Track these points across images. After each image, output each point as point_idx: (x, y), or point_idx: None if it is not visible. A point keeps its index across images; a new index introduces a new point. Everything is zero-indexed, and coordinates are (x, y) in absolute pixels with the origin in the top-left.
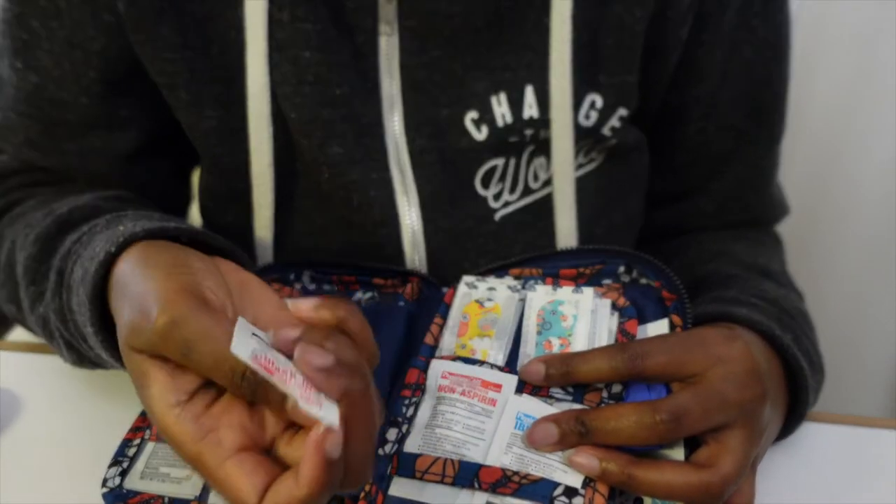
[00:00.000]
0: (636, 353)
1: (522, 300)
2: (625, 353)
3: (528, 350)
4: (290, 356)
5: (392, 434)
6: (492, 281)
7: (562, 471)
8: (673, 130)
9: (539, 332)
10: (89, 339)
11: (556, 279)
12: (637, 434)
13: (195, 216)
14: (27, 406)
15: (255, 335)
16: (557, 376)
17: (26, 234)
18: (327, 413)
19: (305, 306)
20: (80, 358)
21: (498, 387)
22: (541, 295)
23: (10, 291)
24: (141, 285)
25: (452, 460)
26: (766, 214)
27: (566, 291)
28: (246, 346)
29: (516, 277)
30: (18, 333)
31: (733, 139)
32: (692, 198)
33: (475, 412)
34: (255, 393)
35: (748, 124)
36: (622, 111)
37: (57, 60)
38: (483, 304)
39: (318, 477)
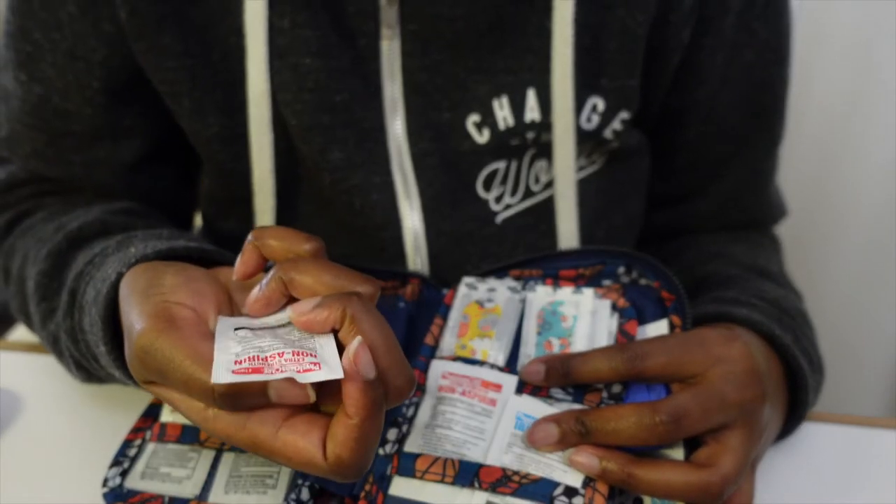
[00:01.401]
0: (636, 353)
1: (522, 301)
2: (624, 353)
3: (529, 350)
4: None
5: (392, 434)
6: (492, 282)
7: (562, 470)
8: (673, 133)
9: (539, 333)
10: (101, 358)
11: (555, 280)
12: (637, 435)
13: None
14: (27, 406)
15: (242, 327)
16: (557, 377)
17: (38, 249)
18: (327, 367)
19: (304, 308)
20: (89, 376)
21: (498, 387)
22: (541, 296)
23: (20, 304)
24: (125, 315)
25: (453, 460)
26: (764, 216)
27: (566, 292)
28: (226, 366)
29: (516, 278)
30: (18, 333)
31: (733, 142)
32: (691, 200)
33: (475, 412)
34: (235, 406)
35: (748, 127)
36: (624, 114)
37: (60, 72)
38: (483, 305)
39: (362, 401)
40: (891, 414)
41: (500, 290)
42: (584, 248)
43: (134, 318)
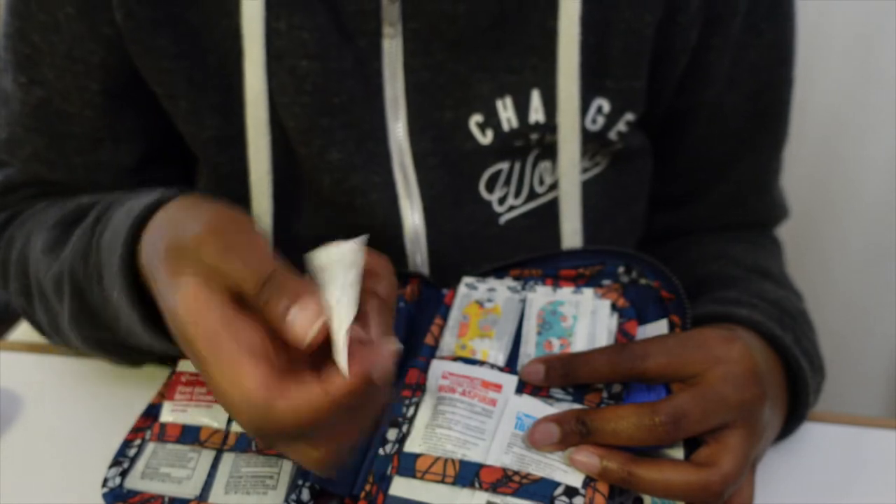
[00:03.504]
0: (636, 353)
1: (522, 301)
2: (624, 353)
3: (529, 350)
4: None
5: (392, 434)
6: (492, 282)
7: (562, 470)
8: (678, 135)
9: (539, 333)
10: (110, 268)
11: (555, 280)
12: (636, 435)
13: None
14: (27, 406)
15: None
16: (557, 377)
17: (45, 221)
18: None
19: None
20: (79, 318)
21: (498, 387)
22: (541, 296)
23: (22, 285)
24: (184, 219)
25: (453, 460)
26: (767, 217)
27: (566, 292)
28: None
29: (516, 278)
30: (18, 333)
31: (737, 144)
32: (694, 202)
33: (475, 412)
34: (270, 299)
35: (753, 129)
36: (629, 116)
37: (59, 74)
38: (483, 305)
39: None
40: (891, 414)
41: (500, 290)
42: (584, 248)
43: (203, 213)
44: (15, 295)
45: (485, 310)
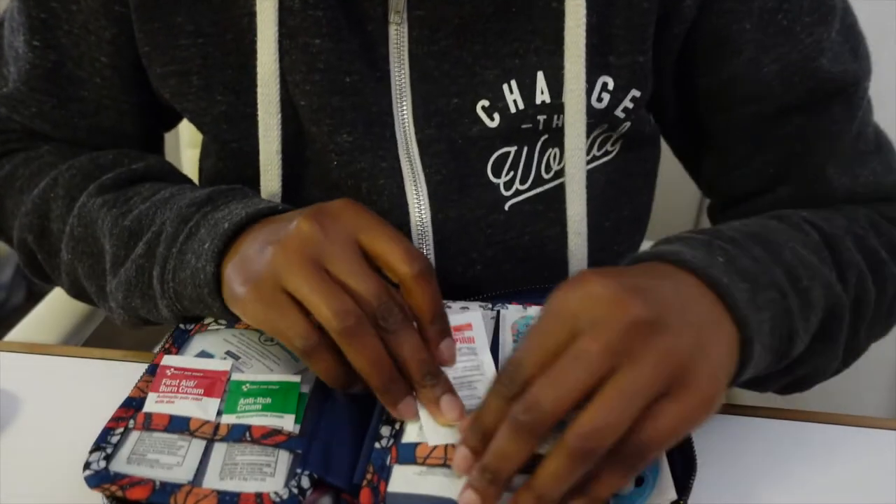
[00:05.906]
0: (511, 365)
1: (494, 318)
2: (503, 375)
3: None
4: None
5: (386, 430)
6: (462, 303)
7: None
8: (727, 120)
9: (515, 341)
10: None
11: (523, 305)
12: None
13: None
14: (27, 406)
15: None
16: (486, 481)
17: (82, 173)
18: None
19: None
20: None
21: (468, 326)
22: (512, 312)
23: (33, 223)
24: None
25: (454, 445)
26: (875, 188)
27: (536, 310)
28: None
29: (485, 300)
30: (18, 333)
31: (799, 116)
32: (773, 189)
33: (462, 354)
34: None
35: (809, 98)
36: (634, 92)
37: (75, 41)
38: (457, 322)
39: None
40: (891, 414)
41: (473, 308)
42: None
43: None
44: (20, 230)
45: (460, 327)
